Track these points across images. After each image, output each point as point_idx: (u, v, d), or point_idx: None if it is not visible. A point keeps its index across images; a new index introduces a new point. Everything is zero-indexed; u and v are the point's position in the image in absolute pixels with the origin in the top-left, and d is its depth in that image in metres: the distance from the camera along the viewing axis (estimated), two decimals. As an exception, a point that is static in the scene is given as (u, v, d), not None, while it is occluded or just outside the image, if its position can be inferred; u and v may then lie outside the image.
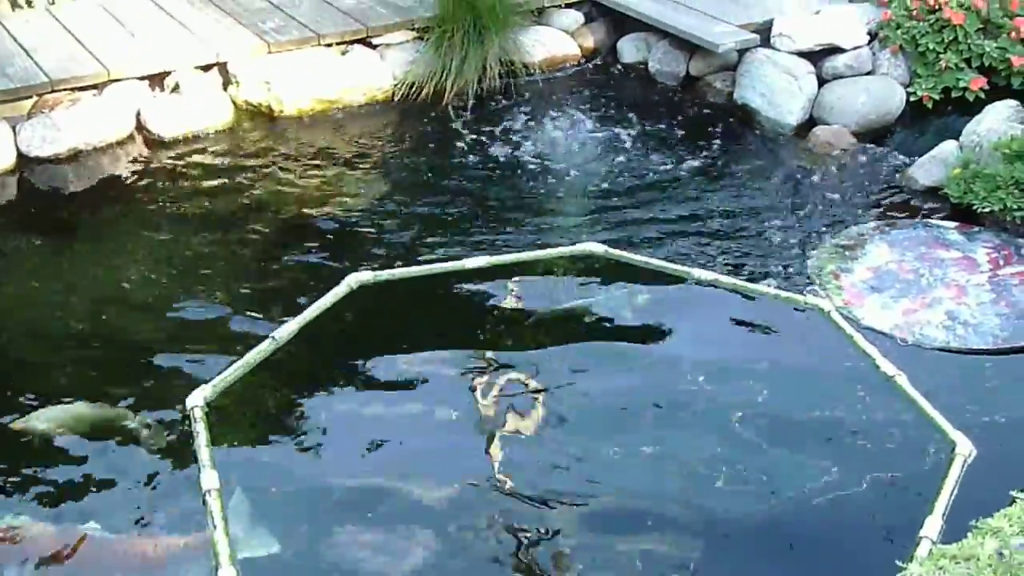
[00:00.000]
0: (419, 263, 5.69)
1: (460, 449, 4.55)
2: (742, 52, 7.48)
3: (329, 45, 7.46)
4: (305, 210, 6.23)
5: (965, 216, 6.09)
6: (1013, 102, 6.57)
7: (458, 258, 5.68)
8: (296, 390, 4.85)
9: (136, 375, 4.92)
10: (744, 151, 6.96)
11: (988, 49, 7.10)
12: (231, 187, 6.48)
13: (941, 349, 5.15)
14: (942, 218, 6.14)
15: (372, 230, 6.04)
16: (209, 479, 4.26)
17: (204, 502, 4.18)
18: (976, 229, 6.03)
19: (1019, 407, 4.79)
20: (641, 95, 7.66)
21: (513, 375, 4.90)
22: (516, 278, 5.55)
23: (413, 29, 7.65)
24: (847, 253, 5.81)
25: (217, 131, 7.03)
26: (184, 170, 6.65)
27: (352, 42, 7.54)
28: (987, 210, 5.91)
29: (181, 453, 4.46)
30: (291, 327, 5.10)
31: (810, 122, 7.19)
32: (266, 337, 5.02)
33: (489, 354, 5.08)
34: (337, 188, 6.47)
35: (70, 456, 4.47)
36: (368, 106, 7.40)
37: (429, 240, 5.95)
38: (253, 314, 5.32)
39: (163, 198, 6.36)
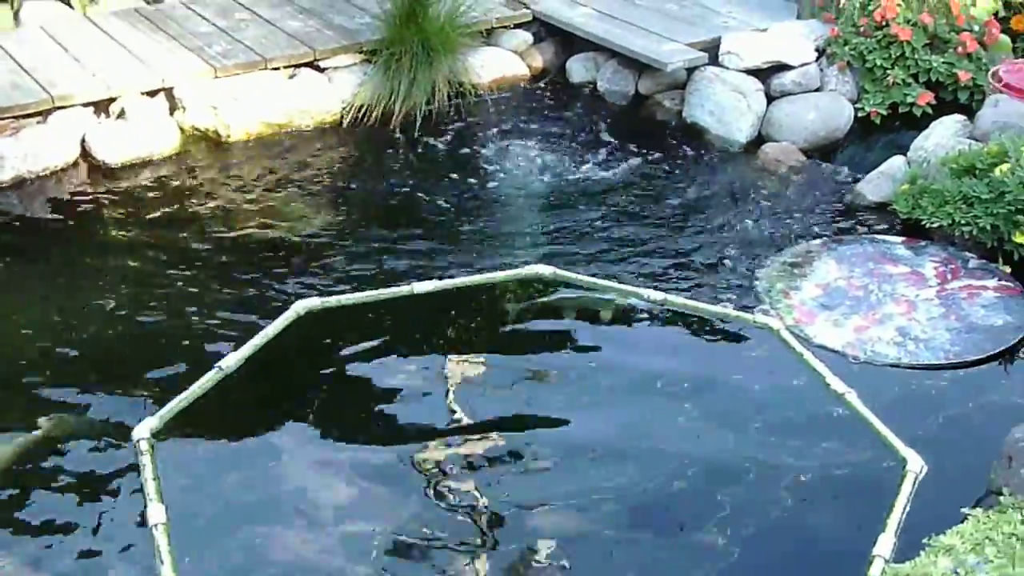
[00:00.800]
0: (368, 288, 5.65)
1: (404, 485, 4.48)
2: (691, 70, 7.48)
3: (276, 69, 7.41)
4: (253, 236, 6.18)
5: (914, 231, 6.10)
6: (960, 117, 6.58)
7: (407, 282, 5.64)
8: (243, 420, 4.80)
9: (78, 405, 4.84)
10: (694, 169, 6.96)
11: (935, 64, 7.13)
12: (178, 213, 6.41)
13: (893, 365, 5.14)
14: (890, 233, 6.15)
15: (320, 255, 5.99)
16: (156, 513, 4.19)
17: (151, 536, 4.12)
18: (923, 243, 6.05)
19: (969, 422, 4.81)
20: (590, 114, 7.65)
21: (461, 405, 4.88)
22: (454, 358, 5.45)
23: (361, 52, 7.60)
24: (795, 271, 5.81)
25: (164, 157, 6.95)
26: (130, 196, 6.58)
27: (299, 65, 7.49)
28: (935, 225, 5.91)
29: (126, 486, 4.39)
30: (238, 355, 5.05)
31: (759, 139, 7.20)
32: (213, 366, 4.96)
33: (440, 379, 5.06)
34: (285, 213, 6.42)
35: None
36: (317, 130, 7.35)
37: (378, 265, 5.90)
38: (200, 342, 5.25)
39: (109, 225, 6.30)
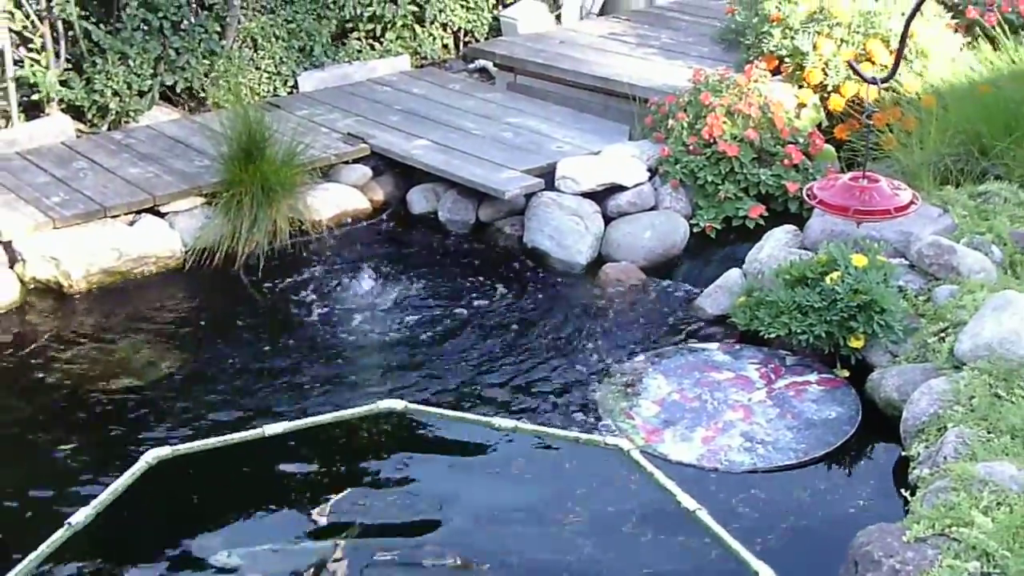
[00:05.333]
0: (220, 433, 5.60)
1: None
2: (529, 196, 7.62)
3: (116, 216, 7.37)
4: (98, 386, 6.10)
5: (755, 342, 6.25)
6: (791, 227, 6.80)
7: (257, 426, 5.61)
8: (96, 576, 4.73)
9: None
10: (536, 294, 7.06)
11: (764, 177, 7.39)
12: (19, 368, 6.31)
13: (750, 471, 5.25)
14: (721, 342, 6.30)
15: (169, 403, 5.94)
16: None
17: None
18: (737, 346, 6.23)
19: (820, 525, 4.92)
20: (433, 245, 7.74)
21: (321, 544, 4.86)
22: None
23: (201, 195, 7.60)
24: (628, 390, 5.90)
25: (3, 310, 6.85)
26: (-31, 353, 6.48)
27: (140, 212, 7.47)
28: (773, 335, 6.06)
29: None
30: (88, 511, 4.95)
31: (600, 260, 7.34)
32: (62, 524, 4.87)
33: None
34: (130, 362, 6.36)
35: None
36: (160, 275, 7.30)
37: (228, 409, 5.88)
38: (48, 500, 5.16)
39: (-54, 382, 6.19)
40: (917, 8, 4.45)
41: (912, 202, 4.43)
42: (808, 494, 5.14)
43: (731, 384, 5.91)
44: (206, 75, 9.03)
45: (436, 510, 5.11)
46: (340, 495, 5.15)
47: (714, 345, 6.29)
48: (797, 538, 4.84)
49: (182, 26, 8.85)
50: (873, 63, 8.03)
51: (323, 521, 4.94)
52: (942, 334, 5.62)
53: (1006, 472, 4.37)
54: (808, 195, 4.54)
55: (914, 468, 4.90)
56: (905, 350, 5.76)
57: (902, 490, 4.82)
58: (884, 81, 4.66)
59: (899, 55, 4.48)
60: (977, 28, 8.44)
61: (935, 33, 8.33)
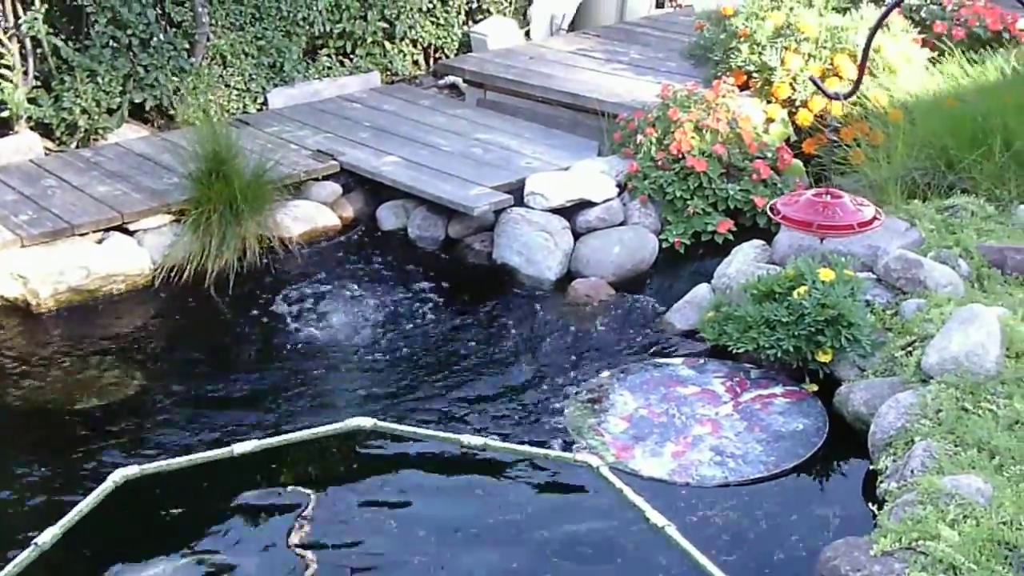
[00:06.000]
0: (189, 452, 5.59)
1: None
2: (498, 213, 7.62)
3: (84, 234, 7.35)
4: (67, 406, 6.07)
5: (723, 356, 6.25)
6: (759, 242, 6.81)
7: (227, 444, 5.61)
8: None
9: None
10: (506, 310, 7.06)
11: (732, 192, 7.41)
12: (-13, 388, 6.30)
13: (722, 485, 5.26)
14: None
15: (137, 421, 5.92)
16: None
17: None
18: (702, 361, 6.26)
19: (789, 539, 4.92)
20: (402, 262, 7.72)
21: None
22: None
23: (170, 212, 7.57)
24: (595, 407, 5.90)
25: (-29, 330, 6.84)
26: (-64, 373, 6.45)
27: (108, 229, 7.44)
28: (742, 350, 6.08)
29: None
30: (55, 531, 4.94)
31: (569, 276, 7.34)
32: (28, 544, 4.85)
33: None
34: (99, 380, 6.33)
35: None
36: (129, 293, 7.27)
37: (197, 428, 5.85)
38: (15, 521, 5.13)
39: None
40: (879, 24, 4.48)
41: (875, 218, 4.46)
42: (778, 508, 5.15)
43: (697, 399, 5.92)
44: (175, 92, 9.02)
45: (405, 527, 5.09)
46: (311, 510, 5.12)
47: (678, 360, 6.30)
48: (766, 553, 4.84)
49: (151, 43, 8.83)
50: (841, 78, 8.08)
51: (296, 540, 4.92)
52: (909, 348, 5.64)
53: (972, 485, 4.39)
54: (772, 211, 4.56)
55: (882, 482, 4.91)
56: (873, 364, 5.78)
57: (870, 504, 4.83)
58: (847, 96, 4.70)
59: (861, 70, 4.51)
60: (944, 42, 8.48)
61: (902, 48, 8.38)
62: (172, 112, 9.04)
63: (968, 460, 4.65)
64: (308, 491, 5.25)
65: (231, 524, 5.14)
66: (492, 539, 4.97)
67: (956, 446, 4.77)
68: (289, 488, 5.34)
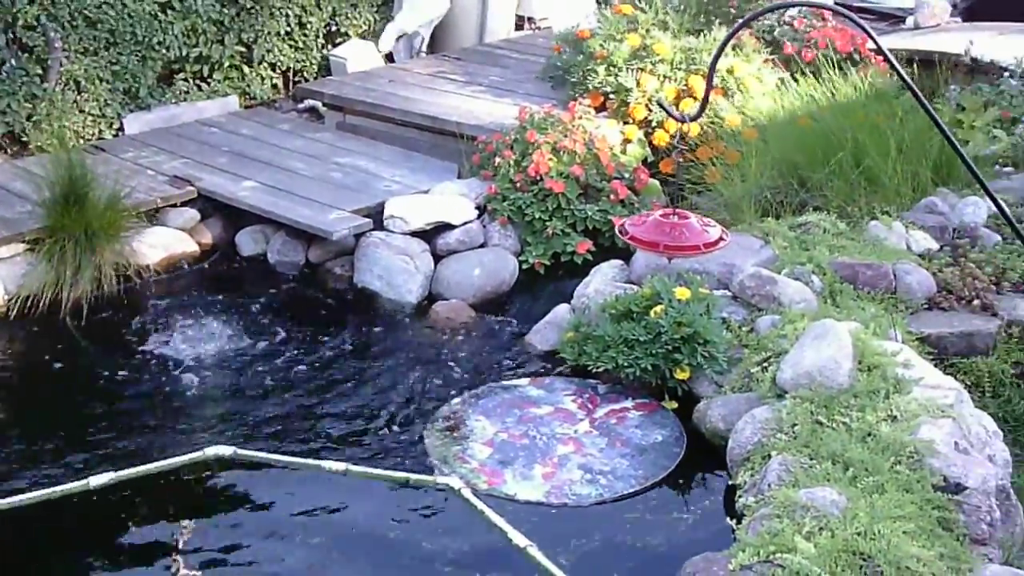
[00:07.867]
0: (43, 486, 5.46)
1: None
2: (358, 236, 7.59)
3: (-66, 266, 7.19)
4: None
5: (585, 375, 6.29)
6: (617, 262, 6.87)
7: (83, 478, 5.49)
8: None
9: None
10: (367, 335, 7.03)
11: (590, 213, 7.47)
12: None
13: (598, 503, 5.29)
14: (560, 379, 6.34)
15: (-10, 457, 5.80)
16: None
17: None
18: (547, 380, 6.30)
19: (656, 550, 5.00)
20: (262, 287, 7.65)
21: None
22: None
23: (24, 242, 7.40)
24: (454, 434, 5.89)
25: None
26: None
27: (-41, 260, 7.29)
28: (602, 369, 6.11)
29: None
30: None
31: (430, 298, 7.35)
32: None
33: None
34: (-51, 415, 6.20)
35: None
36: (-18, 325, 7.13)
37: (53, 461, 5.72)
38: None
39: None
40: (724, 46, 4.53)
41: (721, 238, 4.52)
42: (646, 524, 5.19)
43: (553, 418, 5.94)
44: (28, 118, 8.84)
45: (269, 554, 5.05)
46: (182, 541, 5.06)
47: (525, 381, 6.32)
48: (632, 570, 4.88)
49: (2, 69, 8.65)
50: (695, 98, 8.19)
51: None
52: (765, 363, 5.71)
53: (827, 497, 4.45)
54: (620, 231, 4.60)
55: (740, 496, 4.97)
56: (730, 380, 5.86)
57: (729, 519, 4.89)
58: (694, 118, 4.75)
59: (707, 91, 4.56)
60: (796, 62, 8.64)
61: (754, 68, 8.52)
62: (25, 139, 8.87)
63: (823, 473, 4.71)
64: (184, 523, 5.19)
65: (90, 562, 5.06)
66: (352, 565, 4.95)
67: (811, 459, 4.83)
68: (147, 519, 5.27)
